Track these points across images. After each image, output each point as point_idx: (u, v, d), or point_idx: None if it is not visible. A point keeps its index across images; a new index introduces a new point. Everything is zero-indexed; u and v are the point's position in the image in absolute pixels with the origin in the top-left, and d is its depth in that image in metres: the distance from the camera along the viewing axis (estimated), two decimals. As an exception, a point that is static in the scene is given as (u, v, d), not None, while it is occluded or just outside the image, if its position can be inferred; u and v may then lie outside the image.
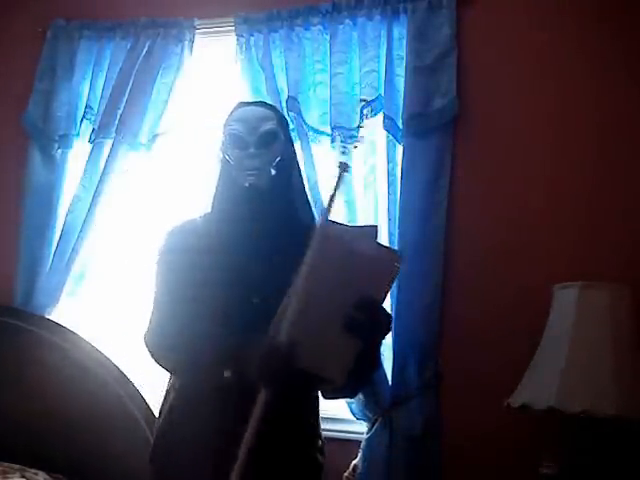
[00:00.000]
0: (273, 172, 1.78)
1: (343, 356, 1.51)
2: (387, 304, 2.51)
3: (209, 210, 1.86)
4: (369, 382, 1.93)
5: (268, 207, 1.77)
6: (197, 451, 1.69)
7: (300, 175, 1.91)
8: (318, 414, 1.85)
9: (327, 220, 1.54)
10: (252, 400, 1.55)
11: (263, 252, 1.71)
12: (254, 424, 1.50)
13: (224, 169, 1.84)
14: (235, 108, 1.85)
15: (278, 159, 1.80)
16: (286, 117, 1.89)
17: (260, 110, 1.83)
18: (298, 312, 1.48)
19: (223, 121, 1.86)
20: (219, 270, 1.71)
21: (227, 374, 1.60)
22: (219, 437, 1.64)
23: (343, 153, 2.29)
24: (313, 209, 1.94)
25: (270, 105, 1.92)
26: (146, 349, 1.76)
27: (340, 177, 1.57)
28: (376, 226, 1.65)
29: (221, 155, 1.85)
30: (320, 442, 1.83)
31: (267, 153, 1.77)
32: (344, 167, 1.59)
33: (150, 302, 1.80)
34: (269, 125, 1.79)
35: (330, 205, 1.56)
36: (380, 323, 1.59)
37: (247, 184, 1.76)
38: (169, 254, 1.80)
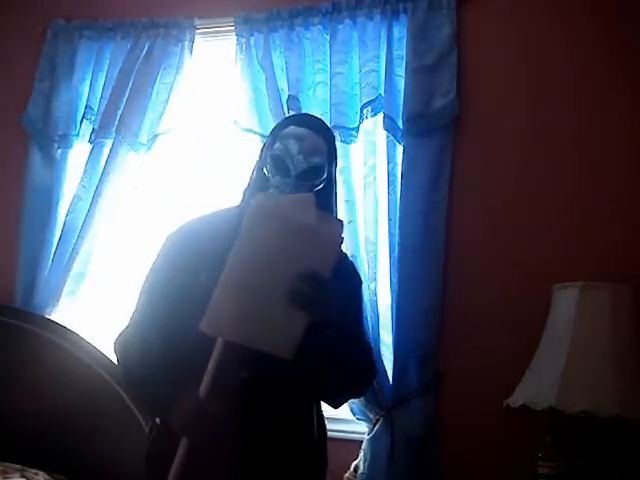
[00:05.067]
0: None
1: (290, 331, 1.47)
2: (385, 302, 2.53)
3: (237, 204, 1.78)
4: (369, 376, 1.85)
5: None
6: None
7: (335, 200, 1.81)
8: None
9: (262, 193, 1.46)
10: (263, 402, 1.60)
11: None
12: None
13: (259, 177, 1.75)
14: (288, 123, 1.75)
15: (316, 189, 1.71)
16: (334, 138, 1.80)
17: (313, 138, 1.71)
18: (225, 298, 1.44)
19: (273, 130, 1.78)
20: (213, 272, 1.61)
21: (244, 374, 1.60)
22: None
23: None
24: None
25: (324, 128, 1.78)
26: (115, 353, 1.74)
27: None
28: (311, 194, 1.55)
29: (261, 162, 1.76)
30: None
31: (306, 186, 1.69)
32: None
33: (134, 300, 1.75)
34: (316, 159, 1.69)
35: None
36: (327, 298, 1.52)
37: None
38: (170, 251, 1.74)
